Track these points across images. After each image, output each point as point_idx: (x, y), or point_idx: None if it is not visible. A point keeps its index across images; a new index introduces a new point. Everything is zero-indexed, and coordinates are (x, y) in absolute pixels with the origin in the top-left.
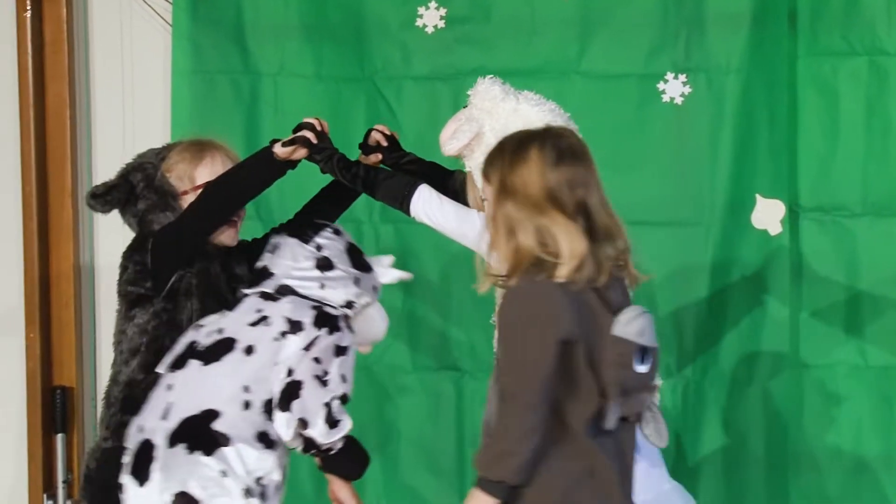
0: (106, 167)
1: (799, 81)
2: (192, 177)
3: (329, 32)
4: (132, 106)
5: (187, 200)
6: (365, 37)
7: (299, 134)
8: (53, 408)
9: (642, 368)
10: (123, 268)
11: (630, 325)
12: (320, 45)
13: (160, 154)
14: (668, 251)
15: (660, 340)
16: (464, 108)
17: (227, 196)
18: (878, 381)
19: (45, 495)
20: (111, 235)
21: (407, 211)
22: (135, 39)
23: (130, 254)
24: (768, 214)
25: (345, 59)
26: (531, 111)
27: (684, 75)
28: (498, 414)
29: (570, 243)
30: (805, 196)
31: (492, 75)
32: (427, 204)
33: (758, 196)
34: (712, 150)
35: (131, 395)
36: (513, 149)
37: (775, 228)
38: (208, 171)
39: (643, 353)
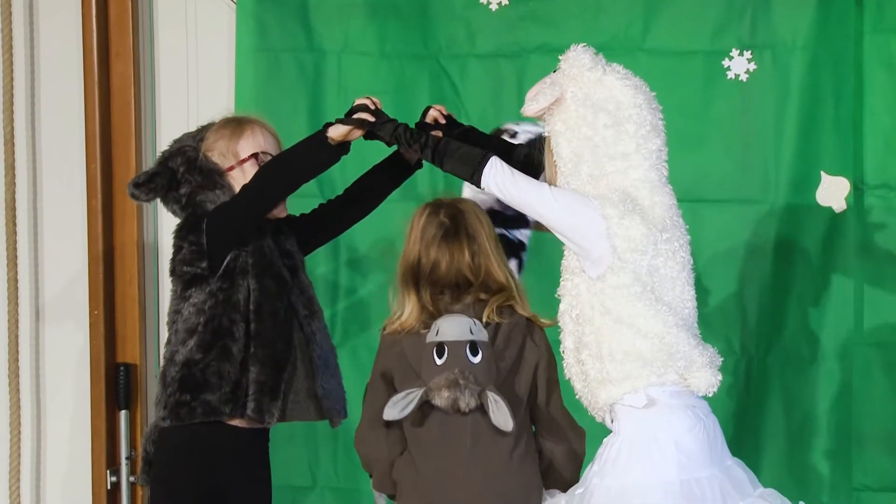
0: None
1: (865, 58)
2: (236, 152)
3: (393, 10)
4: (196, 84)
5: (234, 176)
6: (429, 14)
7: (354, 117)
8: (117, 384)
9: (439, 361)
10: (177, 248)
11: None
12: (384, 23)
13: (197, 136)
14: (733, 228)
15: (724, 318)
16: (553, 72)
17: (281, 179)
18: None
19: (108, 471)
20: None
21: (477, 182)
22: (199, 18)
23: (185, 234)
24: (833, 191)
25: (409, 37)
26: (615, 84)
27: (749, 52)
28: None
29: None
30: (870, 173)
31: (584, 44)
32: (499, 175)
33: (823, 173)
34: (777, 128)
35: (189, 374)
36: None
37: (840, 205)
38: (250, 143)
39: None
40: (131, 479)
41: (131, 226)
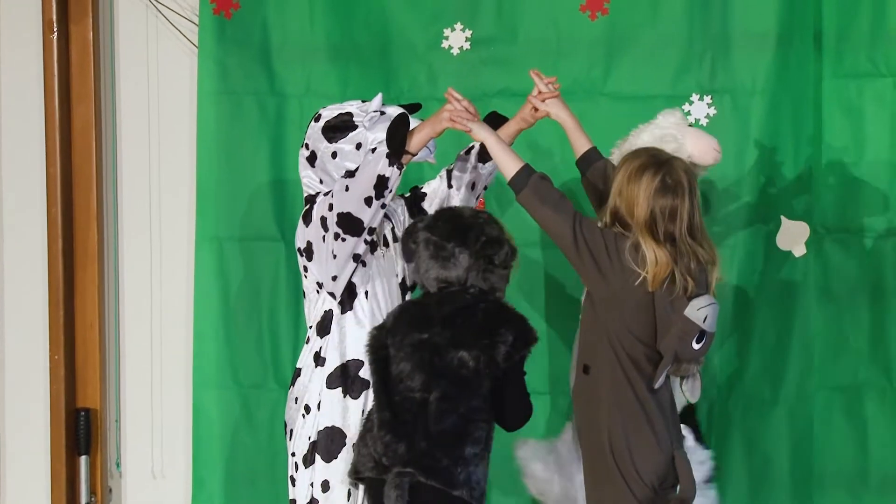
0: (131, 189)
1: (824, 102)
2: None
3: (355, 54)
4: (158, 127)
5: None
6: (391, 58)
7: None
8: (77, 430)
9: (696, 346)
10: None
11: (699, 311)
12: (346, 67)
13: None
14: None
15: None
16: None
17: None
18: None
19: None
20: (136, 257)
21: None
22: (161, 61)
23: None
24: (793, 236)
25: (370, 81)
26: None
27: (709, 96)
28: None
29: None
30: (830, 217)
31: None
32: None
33: (783, 217)
34: (737, 171)
35: None
36: None
37: (800, 250)
38: None
39: (701, 334)
40: None
41: (92, 270)
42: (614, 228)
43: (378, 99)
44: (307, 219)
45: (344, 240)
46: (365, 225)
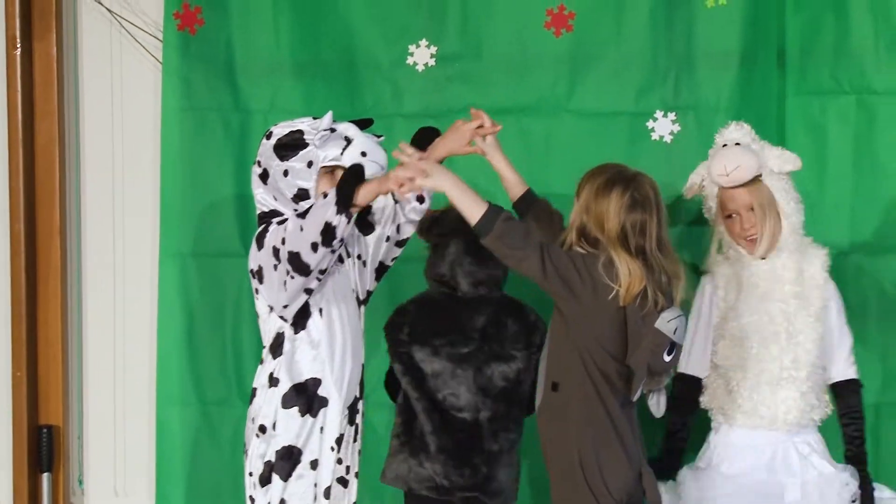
0: (95, 205)
1: (788, 120)
2: None
3: (320, 70)
4: (122, 143)
5: None
6: (356, 75)
7: None
8: (39, 447)
9: (667, 358)
10: None
11: (669, 323)
12: (311, 83)
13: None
14: None
15: None
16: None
17: None
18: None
19: None
20: (99, 273)
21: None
22: (125, 77)
23: None
24: None
25: (335, 97)
26: None
27: (673, 113)
28: None
29: None
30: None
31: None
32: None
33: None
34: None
35: None
36: None
37: None
38: None
39: (672, 346)
40: None
41: (55, 285)
42: (580, 246)
43: (328, 117)
44: (260, 242)
45: (293, 277)
46: (312, 269)
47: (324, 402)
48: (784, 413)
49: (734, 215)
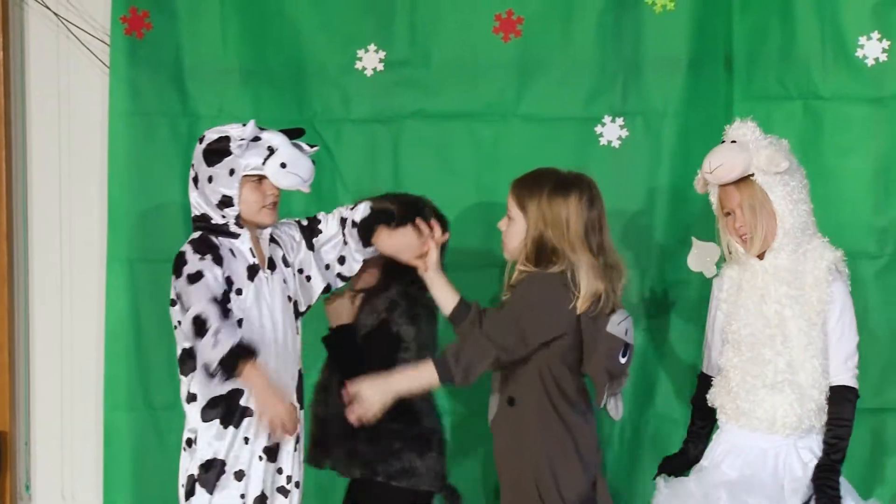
0: (42, 211)
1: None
2: None
3: (268, 76)
4: (69, 147)
5: None
6: (304, 80)
7: None
8: None
9: (623, 360)
10: None
11: (620, 325)
12: (259, 89)
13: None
14: None
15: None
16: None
17: None
18: None
19: None
20: (46, 278)
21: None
22: (72, 81)
23: None
24: (704, 257)
25: (284, 103)
26: None
27: (621, 119)
28: None
29: None
30: None
31: None
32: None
33: (694, 238)
34: (649, 193)
35: None
36: None
37: (710, 271)
38: None
39: (625, 348)
40: None
41: (1, 291)
42: (526, 267)
43: (251, 125)
44: (177, 270)
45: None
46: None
47: (247, 412)
48: (782, 417)
49: (731, 213)
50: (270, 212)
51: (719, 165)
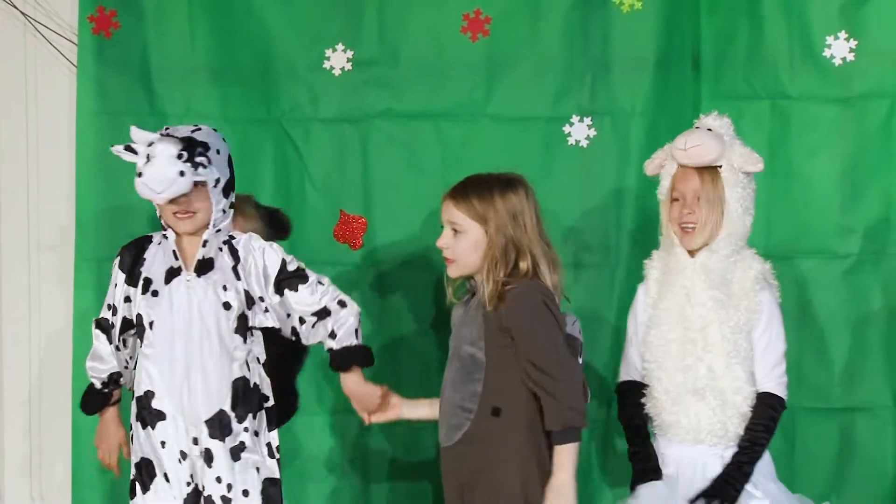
0: (9, 208)
1: None
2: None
3: (236, 74)
4: (36, 147)
5: None
6: (272, 79)
7: None
8: None
9: (580, 360)
10: None
11: (574, 325)
12: (227, 88)
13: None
14: (575, 292)
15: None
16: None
17: None
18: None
19: None
20: (14, 277)
21: None
22: (39, 80)
23: None
24: None
25: (251, 101)
26: None
27: (590, 118)
28: None
29: None
30: None
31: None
32: None
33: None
34: (618, 193)
35: None
36: None
37: None
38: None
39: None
40: None
41: None
42: (495, 277)
43: (139, 133)
44: None
45: None
46: None
47: (160, 415)
48: (707, 425)
49: (679, 198)
50: (181, 221)
51: (697, 145)
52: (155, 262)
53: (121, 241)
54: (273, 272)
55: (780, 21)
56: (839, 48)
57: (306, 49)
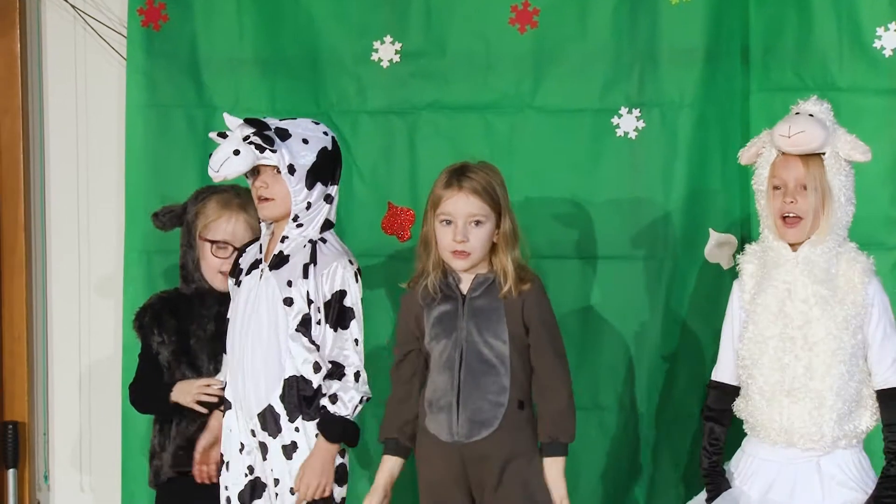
0: (60, 202)
1: (751, 116)
2: (208, 227)
3: (284, 67)
4: (86, 140)
5: (202, 246)
6: (320, 71)
7: None
8: (5, 443)
9: None
10: None
11: None
12: (275, 80)
13: (213, 188)
14: (622, 285)
15: (613, 374)
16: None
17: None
18: None
19: None
20: (64, 270)
21: None
22: (89, 73)
23: None
24: (721, 248)
25: (299, 94)
26: None
27: (638, 110)
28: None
29: None
30: (757, 230)
31: None
32: None
33: (711, 230)
34: (666, 185)
35: None
36: None
37: (728, 262)
38: (222, 228)
39: None
40: None
41: (20, 282)
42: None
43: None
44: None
45: None
46: None
47: (228, 405)
48: (801, 427)
49: (781, 187)
50: (260, 205)
51: (801, 132)
52: (249, 253)
53: (170, 233)
54: (330, 292)
55: (830, 12)
56: (889, 39)
57: (354, 41)
